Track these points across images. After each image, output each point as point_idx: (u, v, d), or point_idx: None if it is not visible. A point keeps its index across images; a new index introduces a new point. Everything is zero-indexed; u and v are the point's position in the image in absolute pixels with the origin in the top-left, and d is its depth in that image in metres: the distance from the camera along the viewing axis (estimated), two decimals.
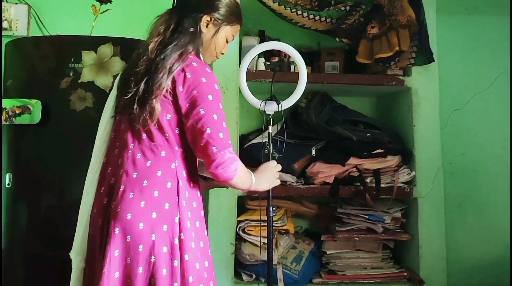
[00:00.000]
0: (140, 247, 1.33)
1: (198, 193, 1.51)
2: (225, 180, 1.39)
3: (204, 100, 1.38)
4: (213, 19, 1.52)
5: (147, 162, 1.40)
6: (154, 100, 1.37)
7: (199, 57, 1.51)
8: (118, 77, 1.58)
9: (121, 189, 1.38)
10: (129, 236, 1.34)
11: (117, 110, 1.53)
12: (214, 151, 1.35)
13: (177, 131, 1.42)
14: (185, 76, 1.39)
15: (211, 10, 1.51)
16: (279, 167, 1.70)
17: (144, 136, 1.42)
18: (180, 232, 1.38)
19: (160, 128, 1.41)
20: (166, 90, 1.39)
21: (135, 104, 1.39)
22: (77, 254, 1.50)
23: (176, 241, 1.37)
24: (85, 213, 1.50)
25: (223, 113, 1.41)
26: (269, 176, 1.66)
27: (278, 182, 1.71)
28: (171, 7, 1.54)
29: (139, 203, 1.36)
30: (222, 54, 1.62)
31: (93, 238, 1.43)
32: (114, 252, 1.33)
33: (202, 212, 1.50)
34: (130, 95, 1.42)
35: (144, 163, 1.40)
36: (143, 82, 1.40)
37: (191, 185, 1.47)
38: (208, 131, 1.35)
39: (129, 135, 1.45)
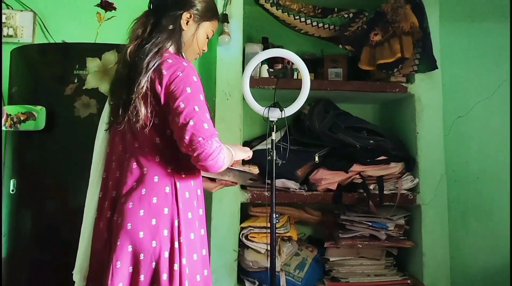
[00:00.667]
0: (141, 256, 1.35)
1: (199, 191, 1.51)
2: (215, 171, 1.37)
3: (182, 93, 1.35)
4: (192, 15, 1.52)
5: (143, 169, 1.41)
6: (136, 100, 1.36)
7: (179, 55, 1.50)
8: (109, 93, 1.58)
9: (122, 200, 1.39)
10: (130, 246, 1.35)
11: (109, 122, 1.53)
12: (201, 142, 1.31)
13: (168, 133, 1.41)
14: (161, 73, 1.37)
15: (190, 7, 1.52)
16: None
17: (136, 145, 1.43)
18: (179, 235, 1.38)
19: (151, 133, 1.41)
20: (147, 92, 1.37)
21: (121, 109, 1.40)
22: (76, 273, 1.50)
23: (176, 245, 1.38)
24: (86, 230, 1.50)
25: (204, 104, 1.38)
26: (242, 147, 1.65)
27: (250, 153, 1.67)
28: (147, 9, 1.54)
29: (139, 212, 1.37)
30: (204, 51, 1.62)
31: (99, 253, 1.43)
32: (117, 264, 1.33)
33: (201, 211, 1.50)
34: (115, 101, 1.43)
35: (141, 172, 1.41)
36: (125, 86, 1.40)
37: (192, 184, 1.47)
38: (191, 123, 1.31)
39: (122, 146, 1.46)
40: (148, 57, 1.39)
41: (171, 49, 1.48)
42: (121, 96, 1.41)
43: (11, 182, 2.08)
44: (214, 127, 1.37)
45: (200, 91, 1.39)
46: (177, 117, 1.33)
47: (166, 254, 1.36)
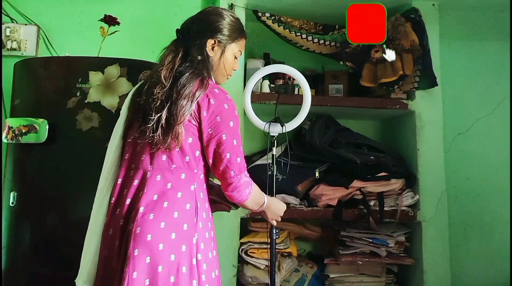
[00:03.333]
0: (160, 268, 1.34)
1: (210, 214, 1.53)
2: (239, 202, 1.51)
3: (226, 126, 1.44)
4: (217, 41, 1.54)
5: (168, 184, 1.42)
6: (179, 125, 1.40)
7: (213, 81, 1.53)
8: (128, 102, 1.58)
9: (141, 210, 1.38)
10: (148, 257, 1.34)
11: (128, 133, 1.53)
12: (232, 175, 1.46)
13: (197, 154, 1.47)
14: (209, 102, 1.44)
15: (214, 33, 1.54)
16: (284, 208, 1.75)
17: (164, 158, 1.44)
18: (197, 252, 1.40)
19: (182, 151, 1.44)
20: (190, 114, 1.42)
21: (159, 130, 1.41)
22: (84, 283, 1.47)
23: (194, 262, 1.39)
24: (94, 236, 1.48)
25: (240, 138, 1.50)
26: (278, 207, 1.71)
27: (278, 219, 1.75)
28: (176, 39, 1.56)
29: (159, 224, 1.37)
30: (234, 70, 1.64)
31: (108, 260, 1.42)
32: (133, 274, 1.32)
33: (213, 233, 1.52)
34: (152, 122, 1.42)
35: (165, 185, 1.42)
36: (166, 109, 1.41)
37: (206, 206, 1.50)
38: (227, 156, 1.44)
39: (148, 157, 1.46)
40: (192, 86, 1.43)
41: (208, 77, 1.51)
42: (159, 117, 1.41)
43: (11, 194, 2.07)
44: (244, 159, 1.50)
45: (239, 125, 1.50)
46: (217, 147, 1.45)
47: (184, 270, 1.37)
